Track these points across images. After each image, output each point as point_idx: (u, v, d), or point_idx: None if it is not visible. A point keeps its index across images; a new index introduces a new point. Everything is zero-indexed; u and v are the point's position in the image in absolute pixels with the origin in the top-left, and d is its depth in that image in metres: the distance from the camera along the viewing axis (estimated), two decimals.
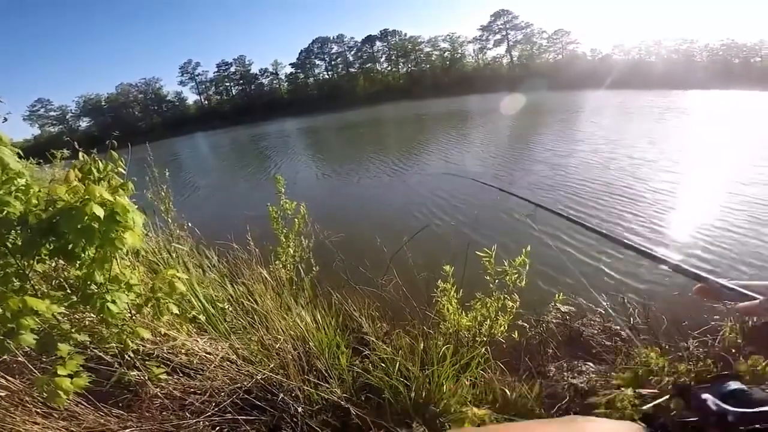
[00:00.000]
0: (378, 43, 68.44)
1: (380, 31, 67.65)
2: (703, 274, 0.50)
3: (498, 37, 63.85)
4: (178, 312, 1.95)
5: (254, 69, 71.25)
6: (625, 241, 0.80)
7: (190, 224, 3.73)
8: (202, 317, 2.36)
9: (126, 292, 1.62)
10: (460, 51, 66.40)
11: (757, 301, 0.43)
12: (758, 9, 64.28)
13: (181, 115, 67.84)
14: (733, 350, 2.25)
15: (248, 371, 2.08)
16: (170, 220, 3.45)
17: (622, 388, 2.06)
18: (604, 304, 3.32)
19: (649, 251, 0.74)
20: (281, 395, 1.97)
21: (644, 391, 2.00)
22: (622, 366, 2.41)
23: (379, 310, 2.92)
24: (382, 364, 2.15)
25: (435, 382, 2.06)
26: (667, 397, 1.83)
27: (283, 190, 3.45)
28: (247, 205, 8.53)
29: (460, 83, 54.25)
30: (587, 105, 22.49)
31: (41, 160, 6.29)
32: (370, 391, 2.14)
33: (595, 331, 2.93)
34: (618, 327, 2.97)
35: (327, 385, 2.07)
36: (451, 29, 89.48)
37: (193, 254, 3.29)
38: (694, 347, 2.52)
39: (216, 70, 70.80)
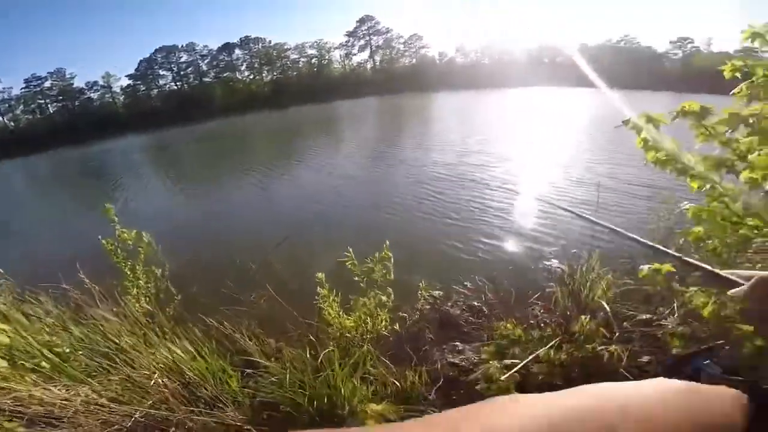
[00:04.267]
0: (237, 51, 64.20)
1: (240, 39, 63.62)
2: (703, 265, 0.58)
3: (362, 42, 65.34)
4: (6, 365, 1.68)
5: (79, 82, 59.25)
6: None
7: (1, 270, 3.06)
8: (45, 365, 2.05)
9: None
10: (327, 57, 66.28)
11: (744, 287, 0.51)
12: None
13: None
14: (568, 313, 2.76)
15: (124, 411, 1.88)
16: None
17: (490, 362, 2.36)
18: (465, 283, 3.71)
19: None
20: (172, 429, 1.86)
21: (508, 362, 2.31)
22: (489, 341, 2.72)
23: (262, 327, 2.83)
24: (274, 380, 2.11)
25: (332, 386, 2.08)
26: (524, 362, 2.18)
27: (116, 219, 3.12)
28: (77, 240, 6.98)
29: (327, 89, 54.29)
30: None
31: None
32: (270, 409, 2.10)
33: (459, 312, 3.20)
34: (478, 304, 3.30)
35: (220, 412, 1.97)
36: (319, 36, 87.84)
37: (17, 304, 2.71)
38: (541, 314, 2.95)
39: (24, 86, 56.59)
